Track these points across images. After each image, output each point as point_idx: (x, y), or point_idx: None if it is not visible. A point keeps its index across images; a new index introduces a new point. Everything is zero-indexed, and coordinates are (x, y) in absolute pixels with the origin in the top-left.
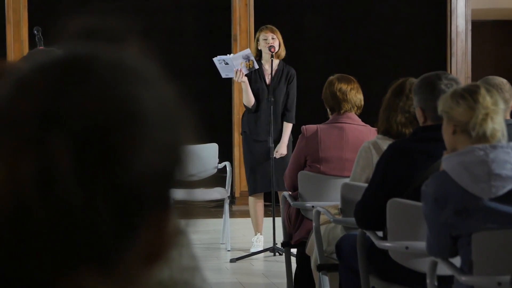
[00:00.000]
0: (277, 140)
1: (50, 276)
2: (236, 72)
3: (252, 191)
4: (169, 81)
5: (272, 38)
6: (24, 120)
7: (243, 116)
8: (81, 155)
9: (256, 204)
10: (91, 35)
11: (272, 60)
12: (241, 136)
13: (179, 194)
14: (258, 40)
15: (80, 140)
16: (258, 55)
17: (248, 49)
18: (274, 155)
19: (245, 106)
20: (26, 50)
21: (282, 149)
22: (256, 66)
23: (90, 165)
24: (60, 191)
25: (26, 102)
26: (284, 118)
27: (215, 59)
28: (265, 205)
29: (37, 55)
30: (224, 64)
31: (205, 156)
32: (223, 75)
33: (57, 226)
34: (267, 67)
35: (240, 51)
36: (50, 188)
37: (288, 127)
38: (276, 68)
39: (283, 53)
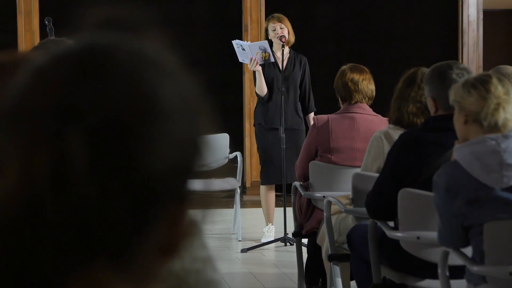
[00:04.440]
0: (293, 127)
1: (64, 271)
2: (251, 60)
3: (265, 181)
4: (187, 72)
5: (281, 28)
6: (41, 113)
7: (255, 108)
8: (97, 149)
9: (268, 194)
10: (109, 25)
11: (283, 50)
12: (252, 127)
13: (194, 185)
14: (266, 30)
15: (96, 134)
16: (269, 44)
17: (266, 41)
18: None
19: (257, 95)
20: (37, 40)
21: None
22: (272, 59)
23: (105, 160)
24: (74, 185)
25: (43, 94)
26: (308, 109)
27: (234, 42)
28: (276, 195)
29: (51, 45)
30: (241, 49)
31: (216, 146)
32: (240, 59)
33: (70, 220)
34: (279, 55)
35: (250, 41)
36: (64, 182)
37: (311, 117)
38: (288, 55)
39: (292, 39)
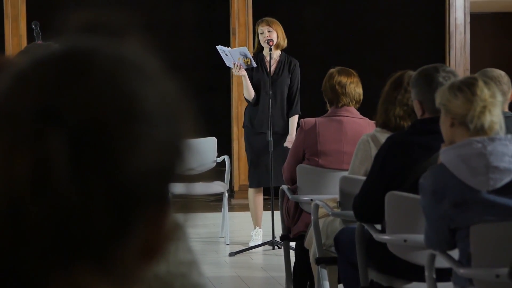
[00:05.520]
0: (281, 132)
1: (45, 273)
2: (234, 65)
3: (253, 184)
4: (169, 75)
5: (269, 31)
6: (21, 115)
7: (245, 109)
8: (78, 151)
9: (256, 197)
10: (91, 29)
11: (270, 54)
12: (240, 130)
13: (178, 188)
14: (257, 34)
15: (77, 135)
16: (260, 48)
17: (245, 47)
18: (287, 145)
19: (245, 99)
20: (24, 44)
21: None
22: (254, 65)
23: (86, 161)
24: (54, 187)
25: (24, 96)
26: (290, 111)
27: (218, 48)
28: (264, 199)
29: (35, 49)
30: (225, 55)
31: (204, 150)
32: (227, 64)
33: (51, 222)
34: (268, 59)
35: (238, 44)
36: (45, 183)
37: (295, 120)
38: (278, 59)
39: (283, 42)
